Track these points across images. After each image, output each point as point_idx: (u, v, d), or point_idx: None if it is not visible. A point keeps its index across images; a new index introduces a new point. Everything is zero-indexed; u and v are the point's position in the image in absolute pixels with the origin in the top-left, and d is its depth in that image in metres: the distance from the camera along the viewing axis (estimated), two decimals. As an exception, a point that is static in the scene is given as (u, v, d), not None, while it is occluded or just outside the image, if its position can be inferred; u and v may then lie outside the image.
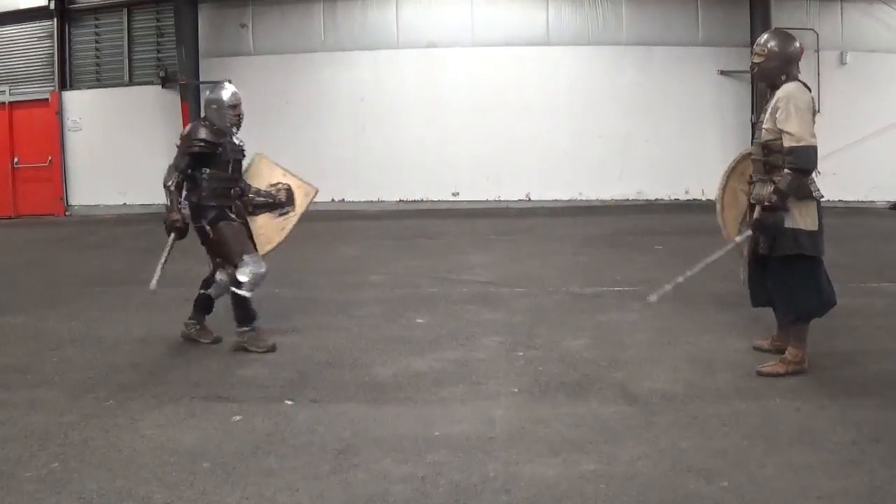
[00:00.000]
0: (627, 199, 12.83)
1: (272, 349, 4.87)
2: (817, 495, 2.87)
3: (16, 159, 13.78)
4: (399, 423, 3.70)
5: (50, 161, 13.66)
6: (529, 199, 13.01)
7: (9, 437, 3.55)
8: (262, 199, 5.15)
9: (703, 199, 12.42)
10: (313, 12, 13.23)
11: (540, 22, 13.01)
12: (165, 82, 13.17)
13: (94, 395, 4.12)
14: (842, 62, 12.62)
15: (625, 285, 6.62)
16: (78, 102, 13.73)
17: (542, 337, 5.12)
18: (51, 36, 13.72)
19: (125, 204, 13.32)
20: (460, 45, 12.98)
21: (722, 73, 12.77)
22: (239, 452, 3.37)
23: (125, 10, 13.71)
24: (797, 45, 4.27)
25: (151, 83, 13.38)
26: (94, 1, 13.82)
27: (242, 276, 4.82)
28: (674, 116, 12.80)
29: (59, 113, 13.68)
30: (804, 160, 3.98)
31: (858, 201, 12.49)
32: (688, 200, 12.71)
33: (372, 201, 13.08)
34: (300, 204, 5.25)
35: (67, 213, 13.74)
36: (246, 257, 4.84)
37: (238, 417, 3.79)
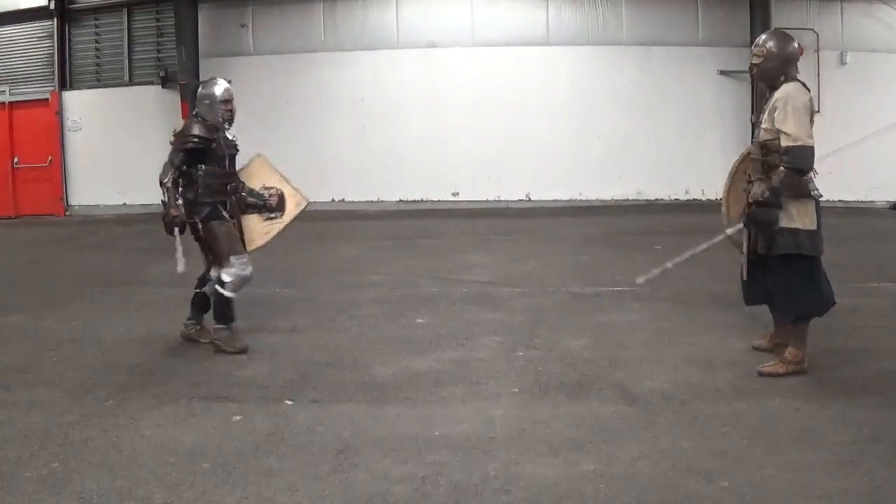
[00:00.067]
0: (627, 199, 12.83)
1: (243, 351, 4.85)
2: (817, 495, 2.88)
3: (16, 159, 13.77)
4: (399, 423, 3.70)
5: (50, 161, 13.66)
6: (529, 199, 13.00)
7: (9, 437, 3.55)
8: (253, 199, 5.15)
9: (703, 199, 12.43)
10: (313, 12, 13.22)
11: (540, 22, 13.00)
12: (165, 82, 13.16)
13: (94, 395, 4.12)
14: (842, 62, 12.61)
15: (625, 285, 6.61)
16: (78, 102, 13.72)
17: (542, 337, 5.12)
18: (51, 36, 13.71)
19: (125, 204, 13.31)
20: (460, 45, 12.98)
21: (722, 73, 12.76)
22: (239, 452, 3.37)
23: (125, 10, 13.70)
24: (795, 45, 4.28)
25: (151, 83, 13.37)
26: (94, 1, 13.80)
27: (226, 277, 4.83)
28: (674, 116, 12.79)
29: (59, 113, 13.67)
30: (800, 160, 4.00)
31: (858, 201, 12.49)
32: (688, 200, 12.71)
33: (372, 201, 13.07)
34: (289, 212, 5.25)
35: (67, 213, 13.73)
36: (233, 259, 4.84)
37: (238, 417, 3.79)
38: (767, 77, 4.25)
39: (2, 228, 12.70)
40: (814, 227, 4.13)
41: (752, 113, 11.72)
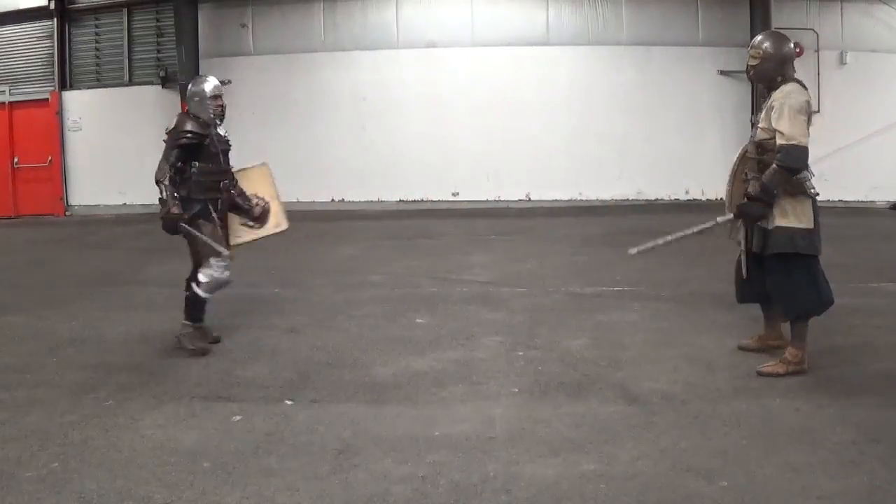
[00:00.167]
0: (627, 199, 12.83)
1: (203, 353, 4.83)
2: (817, 495, 2.88)
3: (16, 159, 13.77)
4: (399, 423, 3.70)
5: (50, 161, 13.66)
6: (529, 199, 13.00)
7: (9, 437, 3.55)
8: (240, 201, 5.14)
9: (703, 198, 12.43)
10: (313, 12, 13.22)
11: (540, 22, 13.01)
12: (165, 82, 13.17)
13: (94, 395, 4.12)
14: (842, 62, 12.61)
15: (624, 285, 6.62)
16: (78, 102, 13.72)
17: (542, 337, 5.12)
18: (51, 36, 13.72)
19: (125, 204, 13.31)
20: (460, 44, 12.98)
21: (722, 73, 12.77)
22: (239, 452, 3.37)
23: (125, 10, 13.70)
24: (791, 45, 4.30)
25: (151, 83, 13.37)
26: (94, 1, 13.81)
27: (203, 277, 4.84)
28: (674, 116, 12.79)
29: (59, 113, 13.68)
30: (792, 159, 4.01)
31: (858, 201, 12.49)
32: (688, 200, 12.71)
33: (372, 201, 13.07)
34: (266, 228, 5.23)
35: (67, 213, 13.74)
36: (212, 260, 4.84)
37: (238, 417, 3.79)
38: (764, 78, 4.27)
39: (2, 228, 12.71)
40: (811, 225, 4.13)
41: (753, 113, 11.71)
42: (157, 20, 13.65)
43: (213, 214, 4.90)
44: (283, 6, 13.25)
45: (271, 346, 5.05)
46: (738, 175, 4.45)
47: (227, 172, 5.04)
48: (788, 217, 4.10)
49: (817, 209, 4.18)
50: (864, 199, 12.58)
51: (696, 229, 4.47)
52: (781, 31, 4.77)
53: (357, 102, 13.05)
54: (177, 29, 12.83)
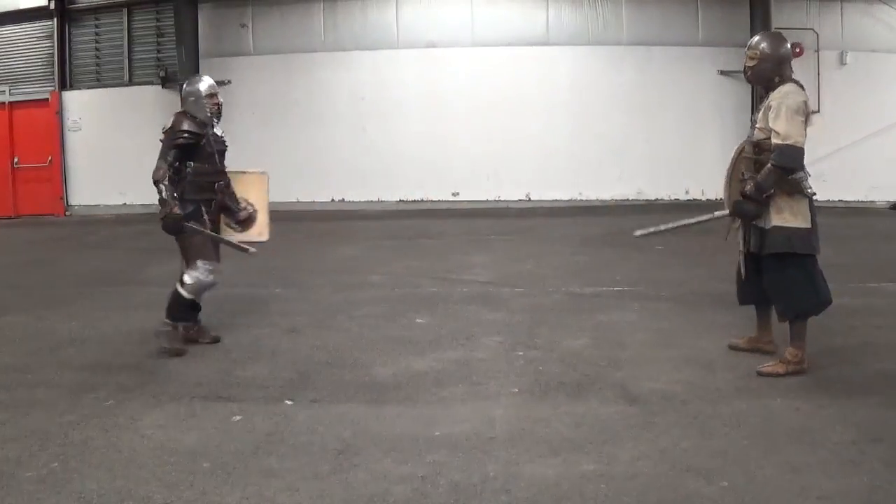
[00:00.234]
0: (627, 199, 12.84)
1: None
2: (817, 495, 2.87)
3: (16, 159, 13.78)
4: (399, 423, 3.70)
5: (50, 161, 13.67)
6: (529, 199, 13.01)
7: (9, 437, 3.55)
8: (228, 202, 5.12)
9: (703, 199, 12.43)
10: (313, 12, 13.23)
11: (540, 22, 13.01)
12: (165, 82, 13.17)
13: (94, 395, 4.12)
14: (842, 62, 12.62)
15: (624, 285, 6.63)
16: (78, 102, 13.73)
17: (542, 337, 5.12)
18: (51, 36, 13.73)
19: (125, 204, 13.32)
20: (460, 45, 12.99)
21: (722, 73, 12.78)
22: (239, 452, 3.37)
23: (125, 10, 13.72)
24: (788, 45, 4.31)
25: (151, 83, 13.38)
26: (94, 1, 13.82)
27: (188, 279, 4.84)
28: (673, 116, 12.80)
29: (59, 113, 13.69)
30: (787, 158, 4.02)
31: (858, 201, 12.50)
32: (688, 200, 12.71)
33: (372, 201, 13.08)
34: (247, 234, 5.21)
35: (67, 213, 13.74)
36: (199, 262, 4.83)
37: (238, 417, 3.79)
38: (762, 79, 4.27)
39: (2, 228, 12.71)
40: (808, 225, 4.13)
41: (752, 113, 11.71)
42: (157, 20, 13.66)
43: (205, 217, 4.90)
44: (282, 6, 13.25)
45: (271, 346, 5.05)
46: (735, 174, 4.46)
47: (222, 173, 5.03)
48: (785, 217, 4.11)
49: (815, 209, 4.19)
50: (864, 199, 12.59)
51: (694, 220, 4.63)
52: (781, 31, 4.78)
53: (357, 102, 13.06)
54: (177, 29, 12.84)
